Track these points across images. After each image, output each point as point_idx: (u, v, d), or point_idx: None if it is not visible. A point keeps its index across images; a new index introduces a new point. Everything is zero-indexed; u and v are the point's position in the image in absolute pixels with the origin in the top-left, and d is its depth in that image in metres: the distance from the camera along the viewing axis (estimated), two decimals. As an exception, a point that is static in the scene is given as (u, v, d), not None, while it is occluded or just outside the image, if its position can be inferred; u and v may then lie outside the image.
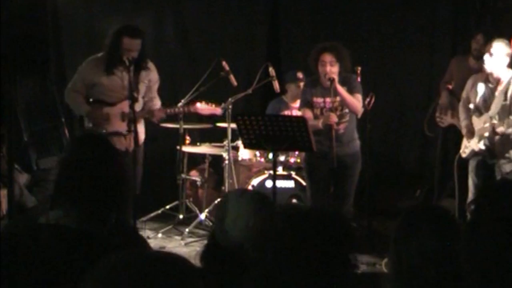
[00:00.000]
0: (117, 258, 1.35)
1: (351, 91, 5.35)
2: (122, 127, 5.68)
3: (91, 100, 5.78)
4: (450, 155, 6.36)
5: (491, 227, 2.11)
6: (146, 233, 6.51)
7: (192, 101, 6.20)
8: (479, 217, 2.18)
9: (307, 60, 5.48)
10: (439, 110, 6.86)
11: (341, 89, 5.29)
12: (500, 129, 5.33)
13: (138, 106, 5.77)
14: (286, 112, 6.81)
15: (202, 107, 6.10)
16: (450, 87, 6.81)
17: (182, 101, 6.45)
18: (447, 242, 2.10)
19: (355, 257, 1.84)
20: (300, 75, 6.72)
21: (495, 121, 5.36)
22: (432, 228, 2.14)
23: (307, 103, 5.57)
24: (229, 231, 2.40)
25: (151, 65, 5.87)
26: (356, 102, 5.35)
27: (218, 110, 6.16)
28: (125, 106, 5.66)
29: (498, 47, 5.43)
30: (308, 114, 5.46)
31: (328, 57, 5.30)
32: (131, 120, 5.51)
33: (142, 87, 5.80)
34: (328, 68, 5.28)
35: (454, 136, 6.16)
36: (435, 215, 2.21)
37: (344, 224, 1.86)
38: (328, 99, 5.36)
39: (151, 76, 5.88)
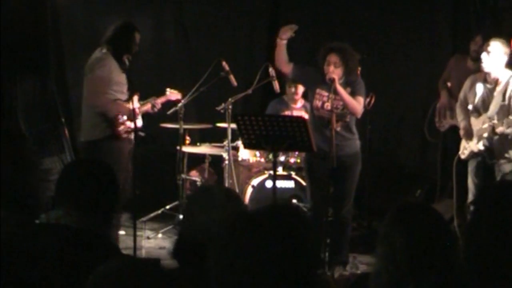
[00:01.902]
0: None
1: (353, 93, 5.35)
2: (139, 121, 5.72)
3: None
4: (450, 155, 6.35)
5: (491, 228, 2.11)
6: (146, 233, 6.52)
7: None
8: (479, 218, 2.18)
9: (316, 56, 5.49)
10: (437, 114, 6.86)
11: (341, 90, 5.28)
12: (499, 129, 5.33)
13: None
14: (287, 112, 6.81)
15: (171, 93, 6.14)
16: (449, 84, 6.81)
17: (182, 101, 6.45)
18: (433, 240, 2.10)
19: (312, 248, 1.81)
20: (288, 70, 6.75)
21: (495, 121, 5.35)
22: (417, 225, 2.13)
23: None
24: (194, 226, 2.39)
25: None
26: (356, 104, 5.34)
27: (179, 95, 6.20)
28: (133, 102, 5.64)
29: (496, 46, 5.41)
30: None
31: (333, 58, 5.30)
32: (131, 116, 5.51)
33: None
34: (331, 68, 5.28)
35: (455, 136, 6.15)
36: (420, 212, 2.20)
37: (299, 219, 1.83)
38: (331, 95, 5.36)
39: None
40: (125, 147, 5.59)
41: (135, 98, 5.68)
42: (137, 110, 5.64)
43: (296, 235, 1.74)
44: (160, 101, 6.02)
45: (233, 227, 1.76)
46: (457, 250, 2.11)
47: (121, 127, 5.51)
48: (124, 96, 5.62)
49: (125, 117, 5.52)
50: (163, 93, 6.16)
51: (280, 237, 1.71)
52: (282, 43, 5.55)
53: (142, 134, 5.85)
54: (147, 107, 5.86)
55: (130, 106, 5.62)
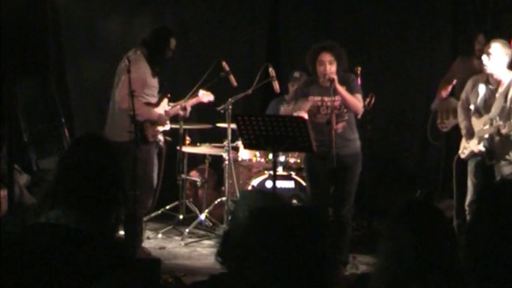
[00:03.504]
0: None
1: (350, 91, 5.33)
2: (167, 125, 5.89)
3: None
4: (452, 155, 6.34)
5: (491, 228, 2.11)
6: (146, 233, 6.51)
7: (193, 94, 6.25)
8: (479, 218, 2.18)
9: (305, 60, 5.47)
10: (440, 116, 6.84)
11: (342, 89, 5.27)
12: (504, 130, 5.32)
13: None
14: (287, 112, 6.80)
15: (204, 94, 6.20)
16: (449, 88, 6.77)
17: (183, 101, 6.44)
18: (438, 237, 2.10)
19: (330, 252, 1.81)
20: (296, 74, 6.72)
21: (500, 122, 5.35)
22: (422, 223, 2.13)
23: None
24: (237, 228, 2.40)
25: None
26: (357, 102, 5.33)
27: (211, 97, 6.25)
28: (164, 105, 5.82)
29: (496, 47, 5.42)
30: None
31: (326, 57, 5.27)
32: (132, 119, 5.56)
33: None
34: (328, 68, 5.25)
35: (457, 136, 6.13)
36: (424, 210, 2.19)
37: (316, 220, 1.83)
38: (326, 98, 5.34)
39: None
40: (153, 150, 5.72)
41: (165, 101, 5.82)
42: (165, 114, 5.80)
43: (313, 237, 1.74)
44: (190, 103, 6.09)
45: (252, 224, 1.78)
46: (458, 249, 2.11)
47: (150, 131, 5.62)
48: (154, 99, 5.74)
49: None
50: (171, 93, 6.19)
51: (297, 237, 1.72)
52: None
53: (168, 138, 6.02)
54: (177, 109, 5.98)
55: (159, 109, 5.74)
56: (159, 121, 5.73)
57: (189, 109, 6.12)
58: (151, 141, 5.67)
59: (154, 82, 5.70)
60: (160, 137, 5.83)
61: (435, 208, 2.22)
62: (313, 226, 1.79)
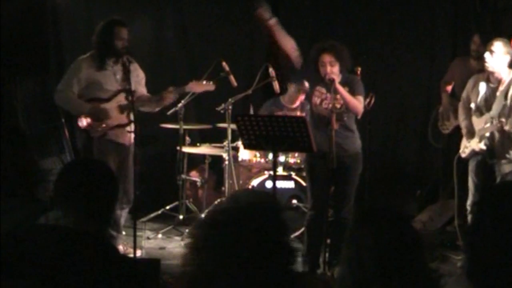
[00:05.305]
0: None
1: (352, 93, 5.32)
2: (122, 119, 5.71)
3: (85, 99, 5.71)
4: (452, 157, 6.34)
5: (492, 229, 2.10)
6: (146, 233, 6.52)
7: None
8: (481, 219, 2.17)
9: (306, 61, 5.46)
10: (441, 118, 6.84)
11: (342, 90, 5.26)
12: (508, 127, 5.33)
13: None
14: (280, 113, 6.78)
15: (196, 84, 6.07)
16: (450, 87, 6.79)
17: (182, 101, 6.44)
18: (400, 243, 2.10)
19: (289, 243, 1.83)
20: (306, 85, 6.68)
21: (503, 119, 5.35)
22: (384, 228, 2.13)
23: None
24: None
25: (133, 61, 5.80)
26: (357, 103, 5.32)
27: (211, 86, 6.09)
28: (121, 98, 5.68)
29: (499, 45, 5.44)
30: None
31: (327, 58, 5.26)
32: (129, 111, 5.62)
33: (133, 80, 5.72)
34: (329, 68, 5.24)
35: (458, 137, 6.13)
36: (387, 215, 2.19)
37: (273, 215, 1.84)
38: (329, 95, 5.34)
39: (138, 72, 5.89)
40: (103, 147, 5.62)
41: (121, 95, 5.67)
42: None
43: (266, 233, 1.75)
44: (175, 91, 5.93)
45: (208, 223, 1.78)
46: (422, 254, 2.11)
47: (84, 123, 5.60)
48: (105, 94, 5.67)
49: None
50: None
51: (250, 234, 1.73)
52: (275, 22, 5.45)
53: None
54: (153, 99, 5.83)
55: (111, 104, 5.66)
56: (96, 115, 5.62)
57: (169, 97, 5.85)
58: (95, 136, 5.62)
59: (103, 76, 5.66)
60: (129, 136, 5.66)
61: (397, 214, 2.21)
62: (264, 221, 1.80)
